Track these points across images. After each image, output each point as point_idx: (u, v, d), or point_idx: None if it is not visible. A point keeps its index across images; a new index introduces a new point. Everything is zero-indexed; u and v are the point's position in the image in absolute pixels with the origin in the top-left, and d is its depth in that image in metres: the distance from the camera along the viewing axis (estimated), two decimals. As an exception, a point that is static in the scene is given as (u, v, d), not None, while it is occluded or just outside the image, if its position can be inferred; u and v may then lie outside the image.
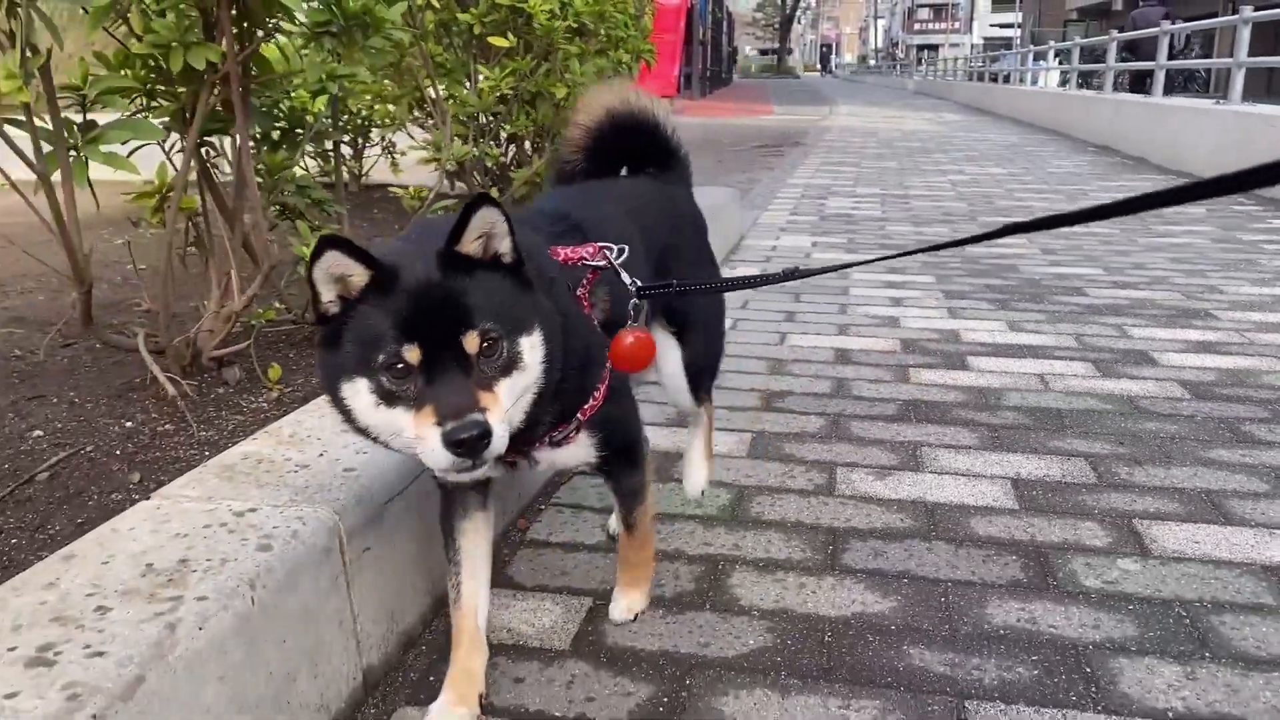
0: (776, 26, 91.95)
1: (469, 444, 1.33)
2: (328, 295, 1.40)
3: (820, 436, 3.05)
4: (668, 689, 1.81)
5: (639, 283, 1.81)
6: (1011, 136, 16.25)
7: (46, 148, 1.98)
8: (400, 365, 1.35)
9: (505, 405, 1.41)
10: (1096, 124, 14.68)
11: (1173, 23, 13.69)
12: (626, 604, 2.04)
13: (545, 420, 1.62)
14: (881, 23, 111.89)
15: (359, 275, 1.38)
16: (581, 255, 1.77)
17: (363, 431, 1.46)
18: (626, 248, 1.83)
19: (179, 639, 1.33)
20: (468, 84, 4.06)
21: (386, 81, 3.81)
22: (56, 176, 2.00)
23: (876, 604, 2.09)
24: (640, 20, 4.94)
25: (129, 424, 2.25)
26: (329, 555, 1.67)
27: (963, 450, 2.93)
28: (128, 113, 2.06)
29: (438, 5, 3.73)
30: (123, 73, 2.00)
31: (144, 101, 2.11)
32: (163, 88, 2.11)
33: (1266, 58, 12.37)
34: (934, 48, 77.78)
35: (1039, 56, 25.12)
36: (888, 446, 2.96)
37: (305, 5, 1.97)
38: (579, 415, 1.71)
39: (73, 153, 1.99)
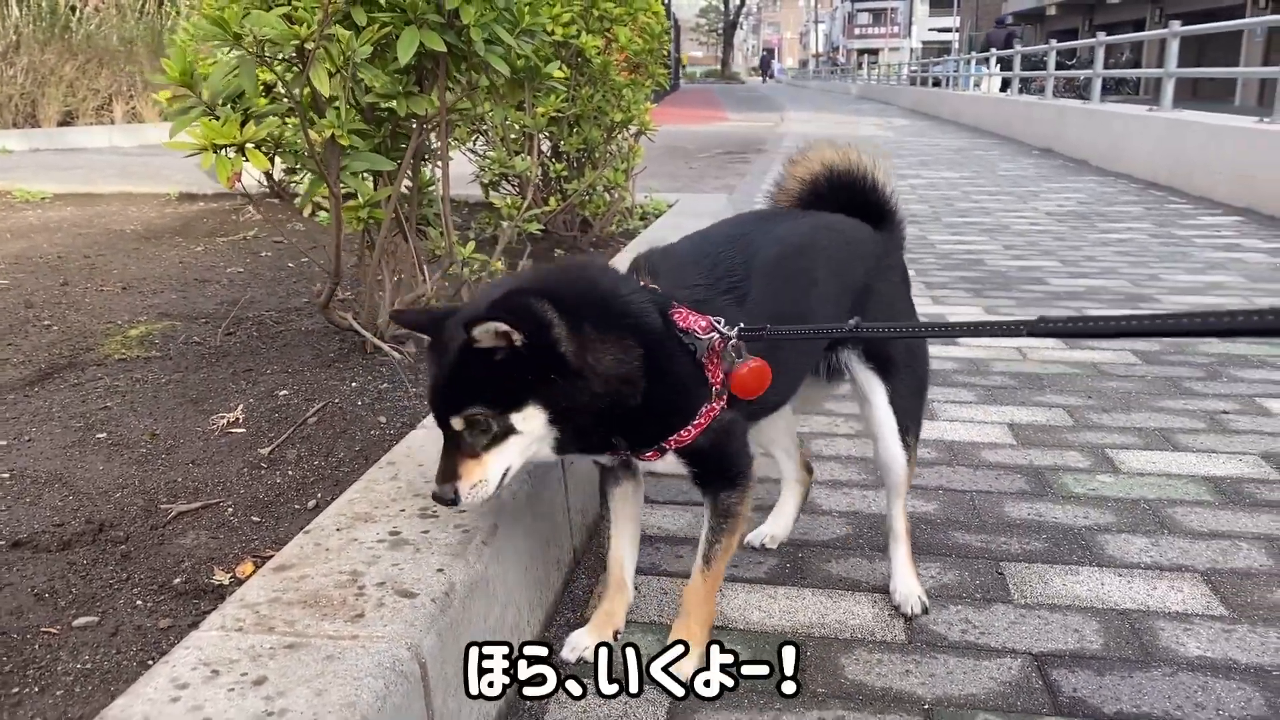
0: (719, 32, 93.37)
1: (445, 504, 1.72)
2: None
3: (849, 397, 3.75)
4: (788, 560, 2.50)
5: (739, 327, 1.78)
6: (959, 141, 17.22)
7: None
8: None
9: (492, 467, 1.69)
10: (1039, 128, 15.69)
11: (1017, 44, 16.19)
12: (675, 659, 1.84)
13: (616, 442, 1.84)
14: (822, 27, 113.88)
15: None
16: (693, 326, 1.78)
17: None
18: (741, 325, 1.79)
19: (505, 502, 1.99)
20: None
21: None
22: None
23: (923, 507, 2.80)
24: (663, 51, 5.64)
25: (354, 384, 2.89)
26: (557, 464, 2.34)
27: (966, 405, 3.67)
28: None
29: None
30: (355, 117, 2.63)
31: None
32: (369, 128, 2.75)
33: (1195, 68, 13.40)
34: (874, 52, 79.55)
35: (981, 61, 26.02)
36: (906, 403, 3.68)
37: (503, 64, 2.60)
38: (665, 444, 1.83)
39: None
